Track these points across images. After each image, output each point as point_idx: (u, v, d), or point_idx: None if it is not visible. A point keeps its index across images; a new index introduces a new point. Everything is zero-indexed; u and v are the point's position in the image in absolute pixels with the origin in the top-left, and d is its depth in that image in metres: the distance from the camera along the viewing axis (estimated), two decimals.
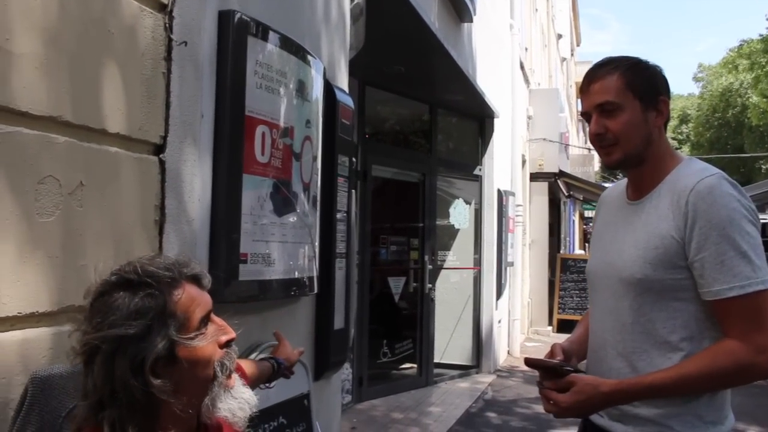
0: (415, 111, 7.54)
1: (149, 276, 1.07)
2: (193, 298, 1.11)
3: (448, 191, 7.75)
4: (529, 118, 10.64)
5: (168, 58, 1.91)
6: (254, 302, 2.31)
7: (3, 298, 1.38)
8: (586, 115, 1.56)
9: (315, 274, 2.71)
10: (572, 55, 23.44)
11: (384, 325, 6.98)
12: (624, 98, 1.49)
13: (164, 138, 1.90)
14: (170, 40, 1.91)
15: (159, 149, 1.89)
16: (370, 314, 6.37)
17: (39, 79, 1.47)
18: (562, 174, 11.58)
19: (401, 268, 7.37)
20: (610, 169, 1.62)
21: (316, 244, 2.71)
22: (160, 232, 1.89)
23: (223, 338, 1.14)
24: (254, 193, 2.19)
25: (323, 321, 2.91)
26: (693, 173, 1.46)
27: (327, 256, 2.92)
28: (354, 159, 4.49)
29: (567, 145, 12.93)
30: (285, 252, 2.38)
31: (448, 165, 7.61)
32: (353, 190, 3.84)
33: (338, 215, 3.02)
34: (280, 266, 2.34)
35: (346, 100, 3.13)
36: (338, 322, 3.01)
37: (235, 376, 1.17)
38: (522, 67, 9.87)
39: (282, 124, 2.34)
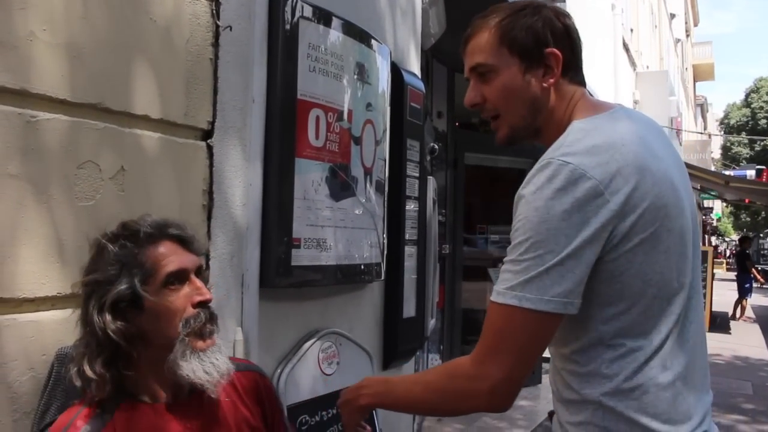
0: None
1: (129, 230, 1.21)
2: (167, 255, 1.19)
3: None
4: (635, 102, 10.08)
5: (215, 44, 1.92)
6: (311, 288, 2.29)
7: (43, 279, 1.43)
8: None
9: (381, 260, 2.67)
10: (688, 36, 22.01)
11: (481, 315, 6.81)
12: (498, 58, 1.21)
13: (212, 123, 1.91)
14: (218, 26, 1.92)
15: (207, 134, 1.90)
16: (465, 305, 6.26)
17: (78, 67, 1.51)
18: None
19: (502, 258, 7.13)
20: (504, 147, 1.32)
21: (382, 230, 2.66)
22: (209, 217, 1.90)
23: (196, 298, 1.19)
24: (308, 177, 2.17)
25: (391, 309, 2.87)
26: (540, 159, 1.13)
27: (395, 242, 2.86)
28: (437, 145, 4.41)
29: (679, 131, 12.15)
30: (343, 237, 2.35)
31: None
32: (430, 177, 3.76)
33: (408, 202, 2.96)
34: (337, 252, 2.31)
35: (416, 83, 3.05)
36: (408, 311, 2.95)
37: (214, 342, 1.20)
38: (627, 49, 9.36)
39: (338, 107, 2.31)
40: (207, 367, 1.16)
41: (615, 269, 1.11)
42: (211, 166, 1.91)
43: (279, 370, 2.13)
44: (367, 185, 2.50)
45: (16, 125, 1.39)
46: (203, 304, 1.19)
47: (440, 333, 6.03)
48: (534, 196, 1.08)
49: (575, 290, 1.08)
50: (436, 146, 4.44)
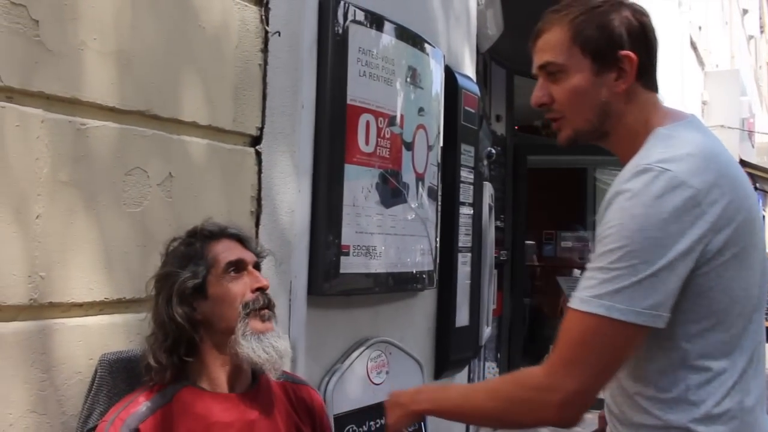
0: None
1: (196, 231, 1.36)
2: (227, 248, 1.32)
3: None
4: (704, 103, 9.68)
5: (264, 50, 1.91)
6: (361, 296, 2.26)
7: (91, 285, 1.45)
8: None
9: (433, 268, 2.62)
10: (762, 32, 21.06)
11: (550, 327, 6.63)
12: (569, 57, 1.14)
13: (261, 129, 1.90)
14: (267, 31, 1.92)
15: (256, 141, 1.90)
16: (531, 315, 6.10)
17: (127, 75, 1.53)
18: (744, 164, 10.41)
19: (574, 265, 6.87)
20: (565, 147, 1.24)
21: (434, 237, 2.61)
22: (257, 223, 1.90)
23: (255, 284, 1.29)
24: (357, 183, 2.14)
25: (444, 317, 2.81)
26: (633, 164, 1.08)
27: (448, 250, 2.81)
28: (495, 149, 4.32)
29: (751, 132, 11.61)
30: (393, 244, 2.31)
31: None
32: (486, 182, 3.69)
33: (462, 208, 2.90)
34: (387, 259, 2.27)
35: (471, 87, 2.99)
36: (461, 319, 2.89)
37: (273, 327, 1.29)
38: (694, 47, 9.01)
39: (389, 112, 2.27)
40: (266, 347, 1.23)
41: (704, 284, 1.05)
42: (259, 172, 1.90)
43: (327, 379, 2.11)
44: (419, 191, 2.46)
45: (67, 133, 1.41)
46: (261, 290, 1.29)
47: (497, 341, 5.91)
48: (630, 202, 1.03)
49: (666, 303, 1.03)
50: (494, 150, 4.35)
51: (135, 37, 1.54)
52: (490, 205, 3.92)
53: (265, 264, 1.88)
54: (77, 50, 1.42)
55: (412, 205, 2.41)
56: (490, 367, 5.75)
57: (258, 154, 1.90)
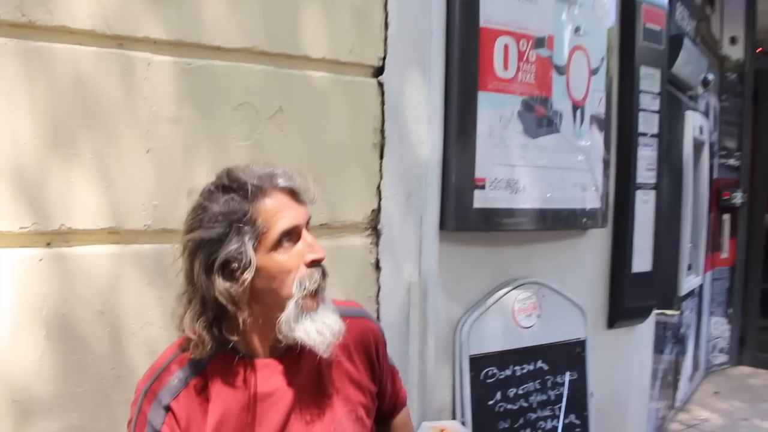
0: None
1: (236, 182, 1.09)
2: (278, 210, 1.08)
3: None
4: None
5: None
6: (508, 233, 2.13)
7: None
8: None
9: (601, 206, 2.37)
10: None
11: None
12: None
13: (383, 59, 1.85)
14: None
15: (378, 71, 1.86)
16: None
17: (231, 13, 1.57)
18: None
19: None
20: None
21: (601, 172, 2.35)
22: (381, 156, 1.87)
23: (309, 257, 1.09)
24: (495, 112, 1.99)
25: (618, 261, 2.55)
26: None
27: (624, 186, 2.52)
28: (710, 76, 3.76)
29: None
30: (543, 179, 2.12)
31: None
32: (691, 111, 3.23)
33: (642, 139, 2.57)
34: (534, 194, 2.10)
35: (655, 0, 2.60)
36: (640, 265, 2.59)
37: (323, 300, 1.11)
38: None
39: (533, 33, 2.07)
40: (320, 327, 1.09)
41: None
42: (382, 103, 1.86)
43: (464, 318, 2.04)
44: (577, 121, 2.22)
45: (172, 73, 1.50)
46: (317, 263, 1.10)
47: (728, 295, 5.23)
48: None
49: None
50: (710, 77, 3.79)
51: None
52: (696, 139, 3.43)
53: (391, 197, 1.86)
54: None
55: (568, 136, 2.19)
56: (719, 323, 5.13)
57: (380, 84, 1.86)
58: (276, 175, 1.11)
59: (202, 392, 1.10)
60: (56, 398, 1.43)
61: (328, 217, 1.79)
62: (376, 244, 1.88)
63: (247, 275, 1.05)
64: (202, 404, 1.09)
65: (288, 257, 1.08)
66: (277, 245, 1.07)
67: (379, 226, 1.88)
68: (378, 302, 1.90)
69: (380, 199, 1.87)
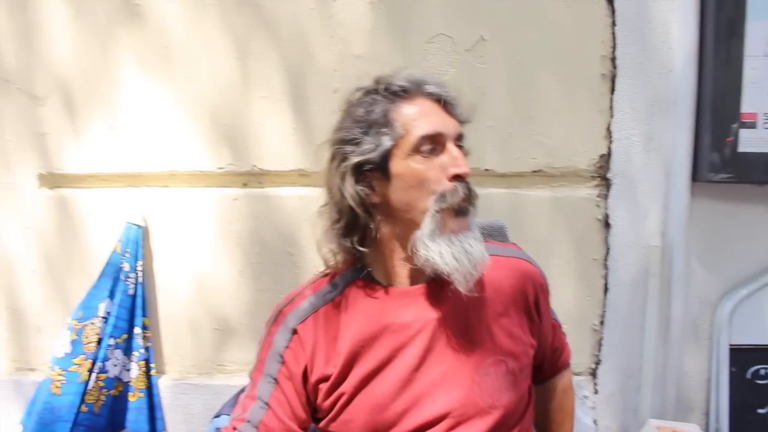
0: None
1: (382, 84, 1.01)
2: (423, 114, 0.98)
3: None
4: None
5: None
6: None
7: None
8: None
9: None
10: None
11: None
12: None
13: None
14: None
15: None
16: None
17: None
18: None
19: None
20: None
21: None
22: (612, 89, 1.56)
23: (453, 170, 0.97)
24: None
25: None
26: None
27: None
28: None
29: None
30: None
31: None
32: None
33: None
34: None
35: None
36: None
37: (468, 226, 0.97)
38: None
39: None
40: (457, 251, 0.95)
41: None
42: (613, 24, 1.55)
43: (725, 297, 1.62)
44: None
45: (358, 8, 1.43)
46: (461, 179, 0.98)
47: None
48: None
49: None
50: None
51: None
52: None
53: (629, 139, 1.57)
54: None
55: None
56: None
57: (610, 2, 1.54)
58: (426, 81, 1.01)
59: (330, 322, 1.03)
60: (249, 332, 1.49)
61: (542, 162, 1.57)
62: (605, 196, 1.60)
63: (381, 180, 0.98)
64: (331, 332, 1.02)
65: (427, 167, 0.96)
66: (415, 151, 0.97)
67: (609, 175, 1.58)
68: (606, 266, 1.61)
69: (611, 142, 1.58)
